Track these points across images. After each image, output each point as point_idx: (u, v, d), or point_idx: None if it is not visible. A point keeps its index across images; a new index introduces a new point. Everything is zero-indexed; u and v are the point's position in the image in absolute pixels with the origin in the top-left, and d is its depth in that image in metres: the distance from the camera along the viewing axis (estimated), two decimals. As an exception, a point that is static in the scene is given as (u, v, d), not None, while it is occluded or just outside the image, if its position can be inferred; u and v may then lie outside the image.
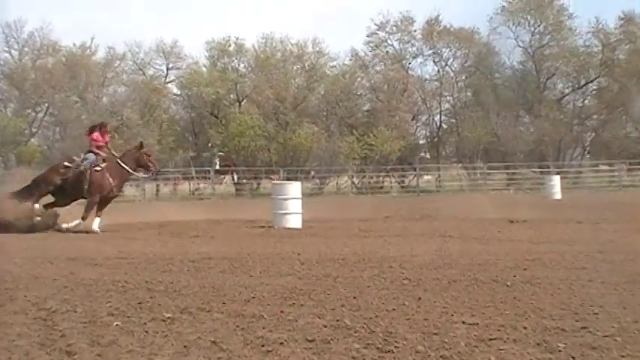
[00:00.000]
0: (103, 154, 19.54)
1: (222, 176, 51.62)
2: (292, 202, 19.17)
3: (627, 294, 8.07)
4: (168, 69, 52.57)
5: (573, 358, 5.55)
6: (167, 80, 52.70)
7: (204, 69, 52.27)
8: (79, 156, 19.72)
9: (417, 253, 12.44)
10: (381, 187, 48.67)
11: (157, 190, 46.83)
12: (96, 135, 19.76)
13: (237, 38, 52.04)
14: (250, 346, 6.20)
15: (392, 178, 49.87)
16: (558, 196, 33.97)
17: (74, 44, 50.23)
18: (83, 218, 18.75)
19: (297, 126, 49.11)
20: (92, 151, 19.47)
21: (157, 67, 52.66)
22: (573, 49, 51.36)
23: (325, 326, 6.81)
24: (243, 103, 51.33)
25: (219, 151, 51.66)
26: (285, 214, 18.94)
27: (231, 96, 51.20)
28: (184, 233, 17.62)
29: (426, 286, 8.88)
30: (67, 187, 19.16)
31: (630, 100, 49.68)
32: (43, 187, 19.17)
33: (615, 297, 7.88)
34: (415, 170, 49.65)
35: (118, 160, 19.60)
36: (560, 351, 5.74)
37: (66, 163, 19.44)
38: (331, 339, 6.31)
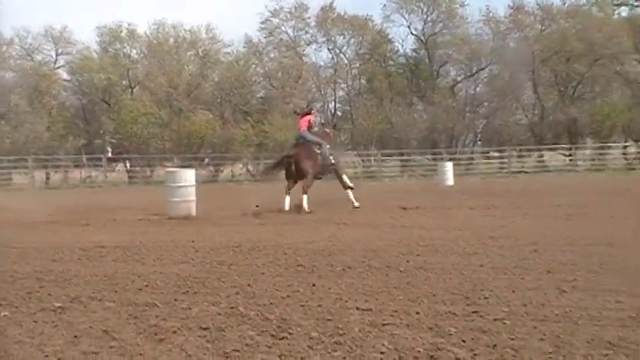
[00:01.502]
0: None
1: (115, 164, 50.87)
2: (186, 189, 18.98)
3: (516, 278, 8.24)
4: (57, 54, 51.51)
5: (464, 341, 5.65)
6: (56, 66, 51.64)
7: (95, 55, 51.38)
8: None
9: (312, 240, 12.48)
10: (276, 175, 48.60)
11: (47, 178, 45.99)
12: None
13: (129, 24, 51.40)
14: (143, 334, 6.15)
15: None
16: (451, 182, 34.43)
17: (-43, 28, 48.81)
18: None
19: (190, 113, 48.76)
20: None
21: (46, 52, 51.54)
22: (465, 36, 52.15)
23: (219, 314, 6.80)
24: (135, 90, 50.69)
25: (112, 138, 50.93)
26: (179, 201, 18.75)
27: (124, 82, 50.50)
28: (75, 221, 17.29)
29: (320, 273, 8.93)
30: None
31: (520, 87, 50.88)
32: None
33: (505, 281, 8.04)
34: (310, 157, 49.74)
35: None
36: (451, 335, 5.84)
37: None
38: (225, 326, 6.31)
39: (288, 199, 19.34)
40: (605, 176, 39.23)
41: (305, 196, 19.00)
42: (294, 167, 19.61)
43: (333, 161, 20.54)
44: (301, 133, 20.57)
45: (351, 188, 20.48)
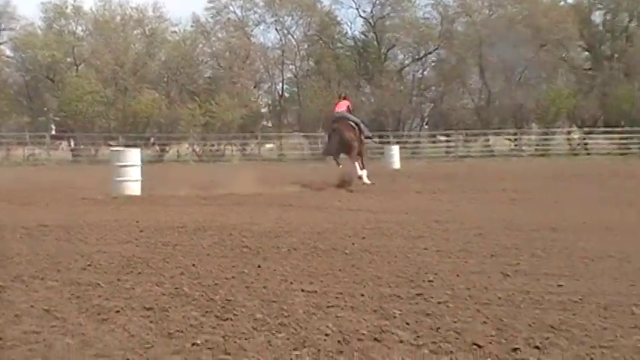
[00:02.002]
0: None
1: (59, 142, 50.40)
2: (131, 169, 18.85)
3: (461, 262, 8.29)
4: (0, 30, 50.74)
5: (408, 324, 5.67)
6: (-1, 42, 50.89)
7: (39, 31, 50.80)
8: None
9: (258, 221, 12.47)
10: (223, 155, 48.52)
11: (-12, 156, 45.44)
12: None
13: (75, 0, 50.81)
14: (86, 314, 6.09)
15: (234, 146, 49.79)
16: (397, 165, 34.56)
17: None
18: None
19: (137, 92, 48.47)
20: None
21: (-12, 28, 50.76)
22: (413, 20, 52.38)
23: (164, 294, 6.76)
24: (80, 68, 50.27)
25: (56, 116, 50.39)
26: (124, 181, 18.62)
27: (68, 60, 50.04)
28: (17, 200, 17.08)
29: (265, 255, 8.92)
30: None
31: (467, 72, 51.24)
32: None
33: (449, 265, 8.09)
34: (257, 138, 49.70)
35: None
36: (395, 317, 5.86)
37: None
38: (169, 307, 6.27)
39: (342, 167, 21.40)
40: (549, 161, 39.70)
41: (357, 164, 20.81)
42: (338, 139, 20.91)
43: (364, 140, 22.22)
44: (341, 113, 21.80)
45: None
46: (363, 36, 54.07)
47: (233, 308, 6.20)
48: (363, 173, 20.84)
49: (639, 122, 47.84)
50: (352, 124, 21.46)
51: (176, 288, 6.99)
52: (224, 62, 51.12)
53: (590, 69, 52.47)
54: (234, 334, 5.46)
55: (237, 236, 10.49)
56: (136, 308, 6.25)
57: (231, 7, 52.85)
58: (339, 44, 54.34)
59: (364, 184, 20.53)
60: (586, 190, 18.94)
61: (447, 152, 48.17)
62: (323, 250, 9.14)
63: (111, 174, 18.97)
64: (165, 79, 51.22)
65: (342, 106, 22.16)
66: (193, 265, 8.23)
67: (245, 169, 27.99)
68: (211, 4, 52.48)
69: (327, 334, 5.41)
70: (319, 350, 5.04)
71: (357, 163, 20.89)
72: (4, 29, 50.75)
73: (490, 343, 5.16)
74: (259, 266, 8.09)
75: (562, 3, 52.98)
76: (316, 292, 6.80)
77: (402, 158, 36.39)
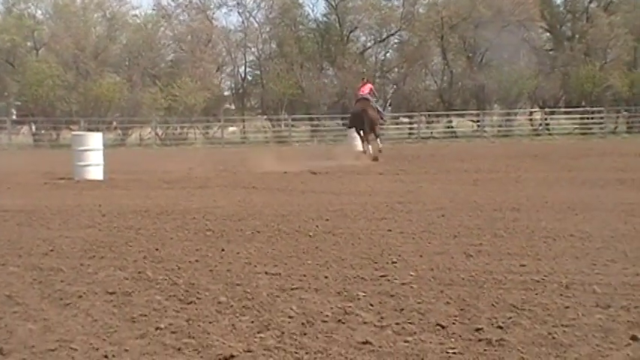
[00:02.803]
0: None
1: (20, 126, 49.94)
2: (93, 153, 18.75)
3: (424, 243, 8.34)
4: (-41, 15, 50.19)
5: (372, 305, 5.69)
6: (-43, 26, 50.25)
7: (-2, 15, 50.23)
8: None
9: (221, 204, 12.47)
10: (186, 139, 48.33)
11: (-52, 141, 44.96)
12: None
13: (35, -16, 50.22)
14: (48, 299, 6.07)
15: (196, 129, 49.58)
16: (360, 147, 34.49)
17: None
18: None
19: (98, 76, 48.08)
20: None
21: (-55, 11, 50.13)
22: (375, 2, 52.22)
23: (127, 278, 6.75)
24: (40, 52, 49.73)
25: (16, 101, 49.94)
26: (86, 165, 18.53)
27: (28, 44, 49.55)
28: (-22, 185, 16.95)
29: (229, 238, 8.92)
30: None
31: (429, 53, 51.29)
32: None
33: (412, 246, 8.13)
34: (220, 122, 49.53)
35: None
36: (359, 299, 5.88)
37: None
38: (132, 291, 6.26)
39: (368, 145, 24.70)
40: (511, 142, 39.97)
41: (379, 140, 25.18)
42: (365, 119, 24.23)
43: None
44: (365, 95, 25.19)
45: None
46: (325, 18, 53.88)
47: (197, 292, 6.19)
48: (369, 148, 24.59)
49: (600, 102, 48.27)
50: (375, 106, 25.40)
51: (139, 272, 6.98)
52: (186, 45, 50.84)
53: (551, 50, 52.68)
54: (198, 317, 5.46)
55: (201, 220, 10.48)
56: (98, 293, 6.23)
57: (193, -10, 52.53)
58: (301, 27, 54.09)
59: (373, 158, 23.89)
60: (548, 170, 19.07)
61: (409, 134, 48.18)
62: (287, 233, 9.16)
63: (73, 158, 18.85)
64: (126, 63, 50.86)
65: (366, 89, 25.52)
66: (156, 249, 8.21)
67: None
68: (173, -13, 52.16)
69: (290, 317, 5.42)
70: (283, 332, 5.05)
71: (378, 140, 25.01)
72: (-38, 14, 50.27)
73: (454, 323, 5.20)
74: (223, 250, 8.09)
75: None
76: (280, 274, 6.81)
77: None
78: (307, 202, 12.56)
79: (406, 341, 4.81)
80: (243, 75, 53.25)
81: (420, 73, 52.89)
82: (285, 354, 4.62)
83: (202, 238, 8.97)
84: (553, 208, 11.18)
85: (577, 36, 51.50)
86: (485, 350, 4.61)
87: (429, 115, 49.42)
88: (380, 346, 4.72)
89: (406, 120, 51.10)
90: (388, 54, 54.40)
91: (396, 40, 53.74)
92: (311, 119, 48.79)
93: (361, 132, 24.91)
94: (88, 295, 6.15)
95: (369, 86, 25.93)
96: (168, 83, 48.34)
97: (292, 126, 48.74)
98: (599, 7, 50.80)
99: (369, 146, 24.51)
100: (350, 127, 27.18)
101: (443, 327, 5.10)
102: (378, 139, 25.05)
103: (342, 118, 46.26)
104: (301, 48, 51.88)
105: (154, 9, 52.30)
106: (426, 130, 48.78)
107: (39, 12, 51.09)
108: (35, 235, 9.34)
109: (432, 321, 5.24)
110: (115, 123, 49.30)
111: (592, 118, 47.37)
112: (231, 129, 52.37)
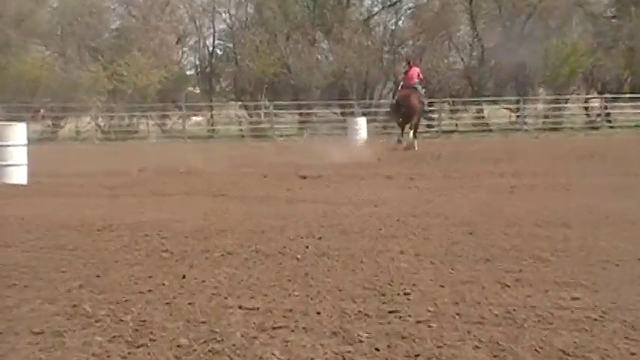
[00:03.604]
0: None
1: None
2: (14, 149, 18.76)
3: (446, 268, 8.34)
4: None
5: (378, 350, 5.70)
6: None
7: None
8: None
9: (182, 217, 12.47)
10: (136, 132, 48.38)
11: None
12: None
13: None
14: (-45, 342, 6.07)
15: (150, 119, 49.61)
16: (364, 142, 34.62)
17: None
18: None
19: (21, 49, 48.07)
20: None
21: None
22: (384, -47, 52.41)
23: (57, 314, 6.74)
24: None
25: None
26: (5, 165, 18.54)
27: None
28: None
29: (192, 261, 8.92)
30: None
31: (454, 21, 51.26)
32: None
33: (431, 273, 8.14)
34: (181, 110, 49.56)
35: None
36: (362, 342, 5.88)
37: None
38: (65, 330, 6.25)
39: (405, 136, 29.39)
40: (560, 137, 40.02)
41: (415, 139, 29.40)
42: (407, 107, 28.67)
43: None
44: (414, 85, 29.27)
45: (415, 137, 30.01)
46: (319, -25, 54.11)
47: (149, 332, 6.20)
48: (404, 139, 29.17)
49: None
50: (421, 97, 29.65)
51: (74, 306, 6.97)
52: (137, 10, 50.94)
53: (614, 17, 52.63)
54: (151, 365, 5.46)
55: (155, 237, 10.49)
56: (21, 333, 6.22)
57: (145, -63, 52.72)
58: (287, -15, 54.32)
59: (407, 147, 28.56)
60: (607, 175, 19.12)
61: (428, 126, 48.18)
62: (267, 255, 9.17)
63: (-13, 157, 18.86)
64: (58, 33, 50.92)
65: (414, 77, 29.49)
66: (97, 275, 8.22)
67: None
68: None
69: (272, 365, 5.43)
70: (262, 386, 5.06)
71: (414, 137, 29.27)
72: None
73: (484, 374, 5.22)
74: (184, 277, 8.09)
75: None
76: (258, 309, 6.81)
77: (369, 133, 36.47)
78: (294, 215, 12.57)
79: (423, 398, 4.83)
80: (211, 49, 53.39)
81: (442, 47, 52.94)
82: (264, 415, 4.63)
83: (157, 261, 8.97)
84: (615, 224, 11.20)
85: (648, -2, 51.54)
86: (525, 410, 4.64)
87: (453, 103, 49.48)
88: (388, 405, 4.73)
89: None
90: (400, 22, 54.46)
91: (410, 4, 53.79)
92: (299, 107, 48.78)
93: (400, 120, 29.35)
94: (7, 336, 6.15)
95: (416, 70, 29.17)
96: (113, 59, 48.36)
97: (275, 115, 48.70)
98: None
99: (404, 137, 28.24)
100: (396, 119, 30.54)
101: (470, 379, 5.12)
102: (415, 137, 29.55)
103: (341, 106, 46.34)
104: (287, 14, 51.91)
105: (94, -39, 52.44)
106: (449, 122, 48.88)
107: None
108: (-64, 257, 9.35)
109: (457, 371, 5.26)
110: (42, 110, 49.30)
111: (667, 107, 47.45)
112: (195, 119, 52.45)
